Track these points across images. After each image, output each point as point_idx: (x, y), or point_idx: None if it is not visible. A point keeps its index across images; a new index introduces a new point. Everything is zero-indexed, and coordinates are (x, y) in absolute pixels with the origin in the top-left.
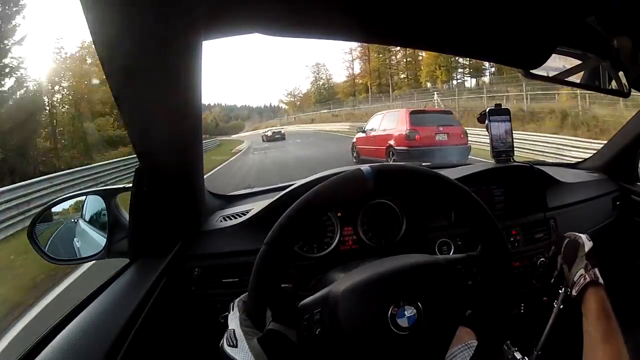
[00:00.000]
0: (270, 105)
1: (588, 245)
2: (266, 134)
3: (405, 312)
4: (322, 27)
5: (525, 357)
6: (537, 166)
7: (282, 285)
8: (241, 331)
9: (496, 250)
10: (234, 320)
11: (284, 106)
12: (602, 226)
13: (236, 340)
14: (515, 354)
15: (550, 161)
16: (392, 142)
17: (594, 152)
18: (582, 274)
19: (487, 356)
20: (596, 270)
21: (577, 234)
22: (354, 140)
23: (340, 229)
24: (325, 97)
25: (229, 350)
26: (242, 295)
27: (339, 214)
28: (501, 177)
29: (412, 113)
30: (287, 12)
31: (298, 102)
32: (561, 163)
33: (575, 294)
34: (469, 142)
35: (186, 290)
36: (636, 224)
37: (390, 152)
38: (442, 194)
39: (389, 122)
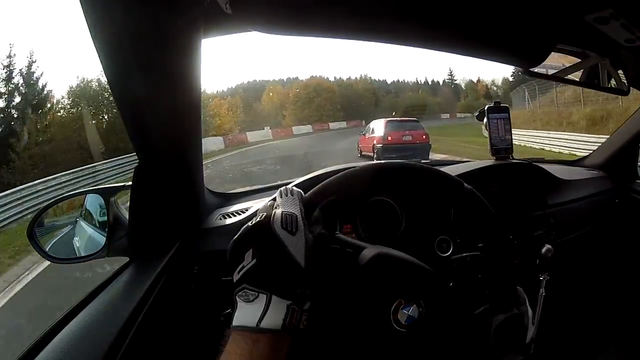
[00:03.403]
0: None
1: (532, 333)
2: None
3: (408, 310)
4: (320, 26)
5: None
6: (536, 163)
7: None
8: (302, 222)
9: (499, 247)
10: (292, 206)
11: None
12: (601, 224)
13: (296, 228)
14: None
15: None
16: (375, 142)
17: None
18: None
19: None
20: None
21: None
22: (358, 140)
23: (339, 226)
24: None
25: (281, 233)
26: (290, 186)
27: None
28: (500, 175)
29: (388, 121)
30: (285, 11)
31: None
32: (560, 160)
33: None
34: (429, 141)
35: (186, 288)
36: (635, 223)
37: (374, 148)
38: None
39: (376, 128)
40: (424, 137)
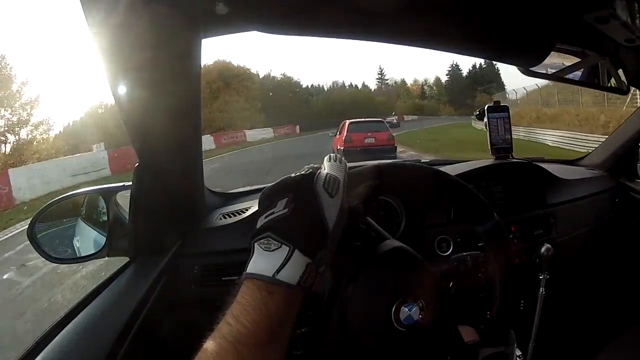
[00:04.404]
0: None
1: None
2: None
3: (409, 309)
4: (320, 26)
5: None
6: (536, 163)
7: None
8: (343, 189)
9: (499, 248)
10: (338, 171)
11: None
12: (601, 224)
13: (336, 192)
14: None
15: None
16: (338, 145)
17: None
18: None
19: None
20: None
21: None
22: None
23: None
24: None
25: (321, 191)
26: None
27: None
28: (500, 174)
29: (350, 123)
30: (284, 10)
31: None
32: (560, 160)
33: None
34: (395, 143)
35: (186, 288)
36: (635, 222)
37: (337, 151)
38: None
39: (341, 129)
40: (387, 139)
